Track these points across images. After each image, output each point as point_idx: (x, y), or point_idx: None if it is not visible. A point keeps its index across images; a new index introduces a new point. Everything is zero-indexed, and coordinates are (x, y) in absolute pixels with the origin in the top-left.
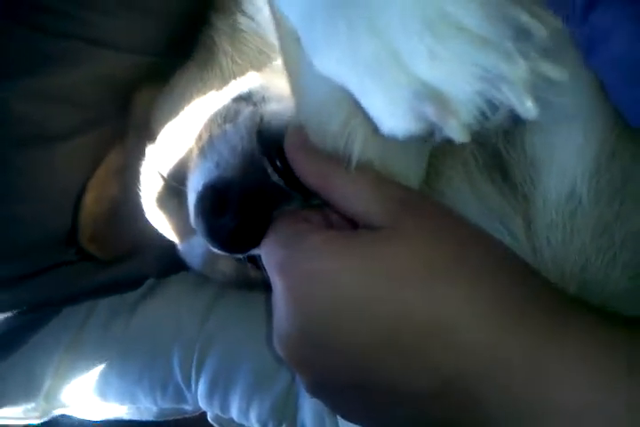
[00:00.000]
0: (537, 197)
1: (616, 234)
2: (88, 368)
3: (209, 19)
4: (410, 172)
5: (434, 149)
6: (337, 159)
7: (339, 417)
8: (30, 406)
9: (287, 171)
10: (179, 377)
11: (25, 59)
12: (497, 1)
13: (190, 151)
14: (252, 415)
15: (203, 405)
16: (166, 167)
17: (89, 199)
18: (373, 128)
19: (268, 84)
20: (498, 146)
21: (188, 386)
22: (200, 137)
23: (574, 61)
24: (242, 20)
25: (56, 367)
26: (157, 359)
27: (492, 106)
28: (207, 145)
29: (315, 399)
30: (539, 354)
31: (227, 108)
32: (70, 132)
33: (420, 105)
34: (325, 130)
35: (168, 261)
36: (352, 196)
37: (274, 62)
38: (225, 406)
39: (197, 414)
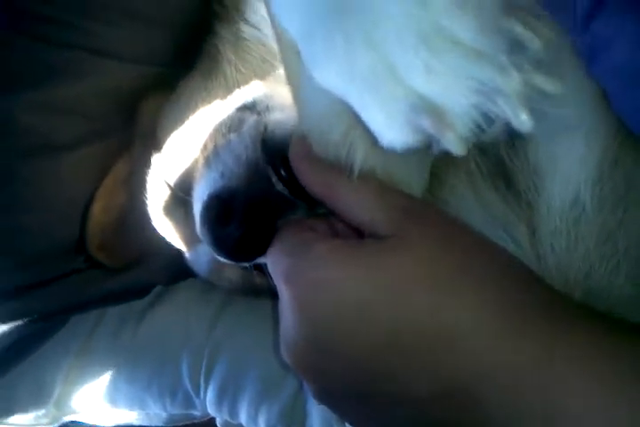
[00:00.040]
0: (541, 204)
1: (620, 241)
2: (98, 375)
3: (213, 28)
4: (412, 180)
5: (437, 157)
6: (340, 168)
7: (347, 424)
8: (41, 412)
9: (292, 180)
10: (187, 384)
11: (28, 70)
12: (491, 13)
13: (196, 161)
14: (261, 421)
15: (211, 411)
16: (172, 177)
17: (97, 209)
18: (374, 139)
19: (271, 92)
20: (501, 154)
21: (197, 392)
22: (205, 147)
23: (576, 70)
24: (245, 28)
25: (66, 374)
26: (166, 366)
27: (488, 118)
28: (212, 155)
29: (323, 406)
30: (541, 358)
31: (231, 118)
32: (76, 143)
33: (417, 118)
34: (327, 140)
35: (176, 269)
36: (356, 205)
37: (277, 71)
38: (234, 413)
39: (206, 419)
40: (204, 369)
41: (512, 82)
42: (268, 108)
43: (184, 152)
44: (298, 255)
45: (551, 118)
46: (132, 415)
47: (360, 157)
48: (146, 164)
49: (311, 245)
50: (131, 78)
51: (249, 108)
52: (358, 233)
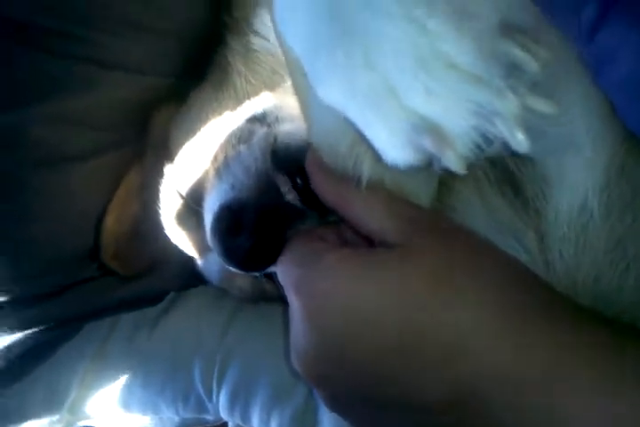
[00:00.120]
0: (549, 211)
1: (628, 247)
2: (112, 379)
3: (223, 39)
4: (420, 190)
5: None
6: (351, 178)
7: None
8: (55, 418)
9: (305, 189)
10: (200, 388)
11: (35, 84)
12: (489, 37)
13: (206, 172)
14: (274, 425)
15: (224, 415)
16: (184, 187)
17: (110, 220)
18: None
19: (281, 103)
20: (508, 162)
21: (210, 397)
22: (216, 158)
23: (582, 78)
24: (255, 40)
25: (81, 379)
26: (179, 371)
27: (487, 139)
28: (223, 166)
29: (334, 413)
30: (542, 359)
31: (241, 129)
32: (87, 154)
33: (419, 138)
34: (336, 152)
35: (188, 276)
36: (366, 214)
37: (287, 82)
38: (246, 417)
39: (219, 424)
40: (216, 374)
41: (509, 104)
42: (277, 120)
43: (195, 163)
44: (308, 265)
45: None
46: (145, 420)
47: (367, 169)
48: (158, 174)
49: (321, 255)
50: (140, 90)
51: (259, 119)
52: (368, 242)
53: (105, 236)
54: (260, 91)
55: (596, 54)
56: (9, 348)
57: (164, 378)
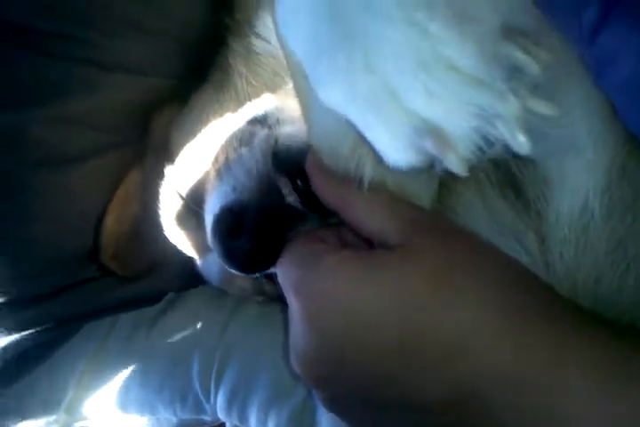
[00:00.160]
0: (550, 213)
1: (629, 248)
2: (110, 379)
3: (225, 40)
4: (421, 192)
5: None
6: (351, 180)
7: None
8: (51, 418)
9: (306, 191)
10: (198, 389)
11: (35, 86)
12: (491, 40)
13: (207, 173)
14: (271, 426)
15: (221, 416)
16: (184, 188)
17: (110, 220)
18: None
19: (282, 105)
20: (509, 163)
21: (207, 397)
22: (217, 159)
23: (583, 79)
24: (256, 42)
25: (78, 379)
26: (177, 371)
27: (488, 141)
28: (223, 168)
29: (332, 414)
30: (542, 359)
31: (242, 131)
32: (88, 155)
33: (420, 140)
34: (337, 154)
35: (187, 277)
36: (367, 215)
37: (288, 84)
38: (243, 418)
39: (216, 424)
40: (214, 374)
41: (510, 107)
42: (278, 122)
43: (196, 164)
44: (307, 267)
45: (559, 129)
46: (143, 421)
47: (368, 170)
48: (158, 175)
49: (321, 257)
50: (141, 91)
51: (260, 121)
52: (368, 244)
53: (104, 236)
54: (262, 93)
55: (598, 56)
56: (5, 349)
57: (162, 379)
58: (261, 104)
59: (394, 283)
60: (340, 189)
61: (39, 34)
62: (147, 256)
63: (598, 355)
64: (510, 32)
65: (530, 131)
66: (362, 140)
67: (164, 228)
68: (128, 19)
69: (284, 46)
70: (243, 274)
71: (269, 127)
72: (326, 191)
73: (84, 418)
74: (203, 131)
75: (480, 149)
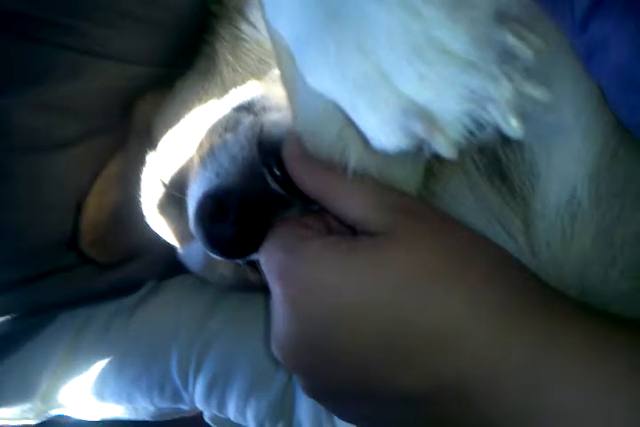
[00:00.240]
0: (536, 200)
1: (616, 236)
2: (86, 369)
3: (211, 27)
4: (407, 178)
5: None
6: (334, 167)
7: (335, 417)
8: (26, 406)
9: (287, 179)
10: (176, 377)
11: (21, 71)
12: (483, 23)
13: (191, 160)
14: (249, 415)
15: (200, 405)
16: (167, 175)
17: (90, 205)
18: (367, 139)
19: (268, 93)
20: (496, 149)
21: (186, 386)
22: (201, 146)
23: (573, 66)
24: (243, 28)
25: (54, 368)
26: (155, 360)
27: (479, 124)
28: (208, 154)
29: (312, 401)
30: (539, 356)
31: (227, 118)
32: (71, 141)
33: (410, 123)
34: (321, 140)
35: (168, 265)
36: (350, 203)
37: (274, 71)
38: (222, 406)
39: (195, 413)
40: (193, 363)
41: (502, 90)
42: (264, 109)
43: (179, 151)
44: (291, 252)
45: (548, 117)
46: (120, 409)
47: (354, 156)
48: (140, 162)
49: (305, 243)
50: (127, 78)
51: (245, 108)
52: (352, 231)
53: (84, 222)
54: (247, 80)
55: (589, 43)
56: None
57: (140, 367)
58: (247, 91)
59: (378, 270)
60: (320, 176)
61: (28, 20)
62: (126, 243)
63: (594, 352)
64: (503, 17)
65: (520, 115)
66: (348, 125)
67: (146, 215)
68: (117, 7)
69: (271, 30)
70: (225, 259)
71: (255, 114)
72: (305, 180)
73: (60, 406)
74: (186, 118)
75: (470, 132)
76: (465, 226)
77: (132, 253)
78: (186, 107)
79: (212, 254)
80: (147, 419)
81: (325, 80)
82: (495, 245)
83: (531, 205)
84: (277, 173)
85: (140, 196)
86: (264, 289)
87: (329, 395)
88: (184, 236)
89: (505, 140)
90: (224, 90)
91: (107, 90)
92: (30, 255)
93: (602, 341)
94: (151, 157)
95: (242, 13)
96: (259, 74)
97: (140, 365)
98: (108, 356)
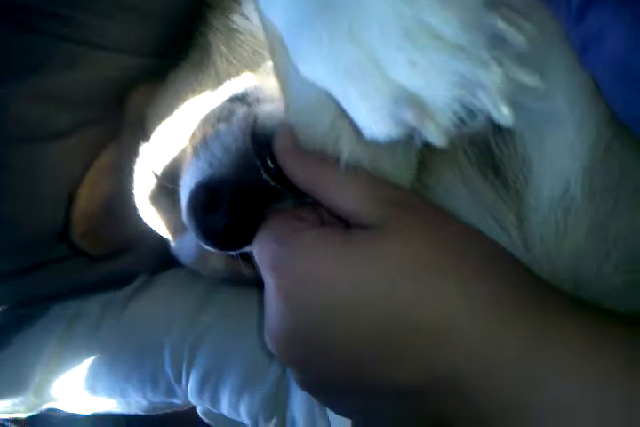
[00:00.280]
0: (529, 194)
1: (610, 230)
2: (78, 363)
3: (205, 18)
4: (399, 170)
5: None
6: (326, 160)
7: (329, 410)
8: (18, 400)
9: (280, 172)
10: (169, 371)
11: (17, 61)
12: (474, 9)
13: (183, 151)
14: (243, 410)
15: (193, 399)
16: (160, 166)
17: (82, 197)
18: (359, 130)
19: (262, 84)
20: (489, 141)
21: (179, 381)
22: (194, 136)
23: (567, 58)
24: (236, 20)
25: (46, 362)
26: (148, 354)
27: (471, 112)
28: (201, 145)
29: (305, 395)
30: (533, 350)
31: (221, 109)
32: (65, 132)
33: (400, 111)
34: (314, 131)
35: (160, 258)
36: (342, 196)
37: (268, 63)
38: (215, 401)
39: (187, 408)
40: (186, 357)
41: (493, 76)
42: (257, 100)
43: (172, 142)
44: (285, 243)
45: (541, 107)
46: (112, 403)
47: (346, 147)
48: (133, 153)
49: (298, 234)
50: (120, 68)
51: (239, 99)
52: (345, 223)
53: (75, 213)
54: (241, 71)
55: (584, 34)
56: None
57: (133, 361)
58: (241, 83)
59: (372, 264)
60: (312, 169)
61: (27, 11)
62: (118, 236)
63: (589, 346)
64: (494, 2)
65: (511, 104)
66: (341, 116)
67: (138, 207)
68: None
69: (263, 19)
70: (218, 251)
71: (249, 105)
72: (297, 172)
73: (53, 400)
74: (179, 109)
75: (461, 119)
76: (458, 219)
77: (125, 245)
78: (179, 98)
79: (204, 246)
80: (139, 413)
81: (318, 69)
82: (488, 238)
83: (524, 199)
84: (271, 165)
85: (132, 187)
86: (257, 283)
87: (323, 388)
88: (176, 228)
89: (497, 130)
90: (218, 81)
91: (101, 80)
92: (24, 247)
93: (596, 334)
94: (144, 149)
95: (233, 5)
96: (252, 65)
97: (133, 359)
98: (100, 349)
